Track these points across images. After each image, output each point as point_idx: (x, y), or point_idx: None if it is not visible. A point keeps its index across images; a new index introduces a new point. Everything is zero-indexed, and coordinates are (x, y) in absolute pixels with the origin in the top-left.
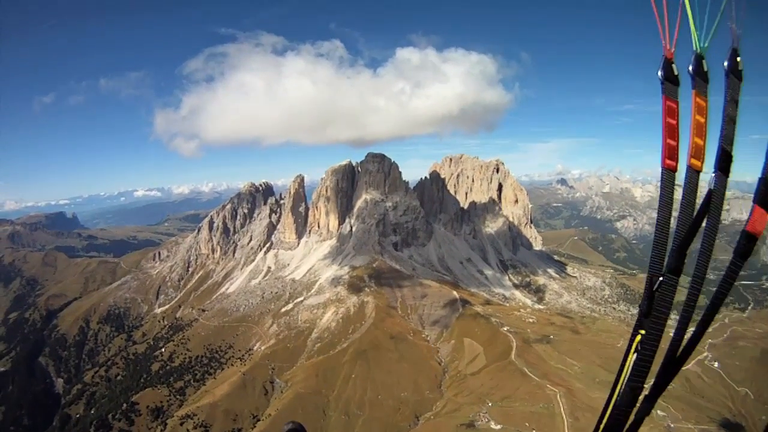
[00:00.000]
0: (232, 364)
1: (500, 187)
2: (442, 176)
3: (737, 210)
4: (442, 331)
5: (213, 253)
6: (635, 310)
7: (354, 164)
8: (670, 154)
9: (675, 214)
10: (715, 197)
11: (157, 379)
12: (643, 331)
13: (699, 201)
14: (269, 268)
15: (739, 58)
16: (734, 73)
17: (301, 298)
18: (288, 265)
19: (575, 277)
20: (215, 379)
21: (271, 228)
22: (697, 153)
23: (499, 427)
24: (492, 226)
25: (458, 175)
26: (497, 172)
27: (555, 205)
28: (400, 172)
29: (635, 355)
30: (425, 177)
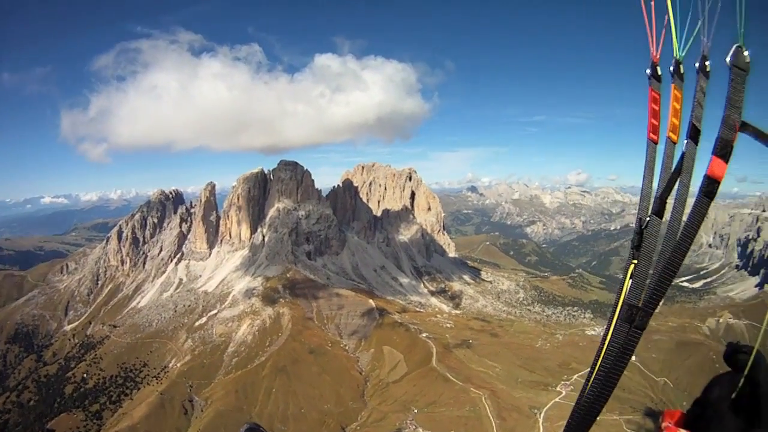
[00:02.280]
0: (148, 383)
1: (413, 195)
2: (355, 184)
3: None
4: (361, 340)
5: (122, 264)
6: (550, 311)
7: (266, 172)
8: (653, 129)
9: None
10: (687, 159)
11: (72, 402)
12: (635, 261)
13: (674, 164)
14: (181, 279)
15: (707, 62)
16: (703, 72)
17: (215, 311)
18: (200, 276)
19: (489, 281)
20: (132, 400)
21: (182, 238)
22: (674, 129)
23: None
24: (405, 234)
25: (371, 183)
26: (410, 180)
27: (466, 212)
28: (312, 180)
29: (631, 280)
30: (338, 185)
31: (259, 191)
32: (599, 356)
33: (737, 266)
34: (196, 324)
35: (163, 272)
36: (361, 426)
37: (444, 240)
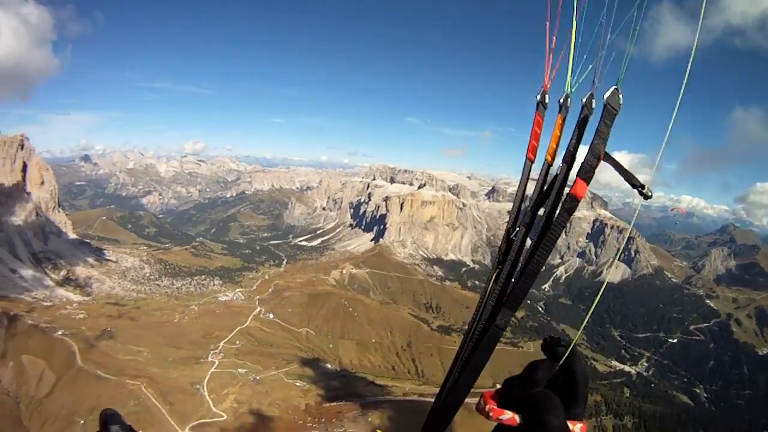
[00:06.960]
0: None
1: (25, 167)
2: None
3: (258, 182)
4: None
5: None
6: (179, 283)
7: None
8: (532, 150)
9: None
10: (559, 179)
11: None
12: (500, 266)
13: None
14: None
15: (594, 101)
16: (588, 108)
17: None
18: None
19: (114, 260)
20: None
21: None
22: (551, 152)
23: None
24: (21, 215)
25: None
26: (22, 148)
27: (79, 184)
28: None
29: (494, 284)
30: None
31: None
32: (462, 351)
33: (351, 225)
34: None
35: None
36: None
37: (60, 218)
